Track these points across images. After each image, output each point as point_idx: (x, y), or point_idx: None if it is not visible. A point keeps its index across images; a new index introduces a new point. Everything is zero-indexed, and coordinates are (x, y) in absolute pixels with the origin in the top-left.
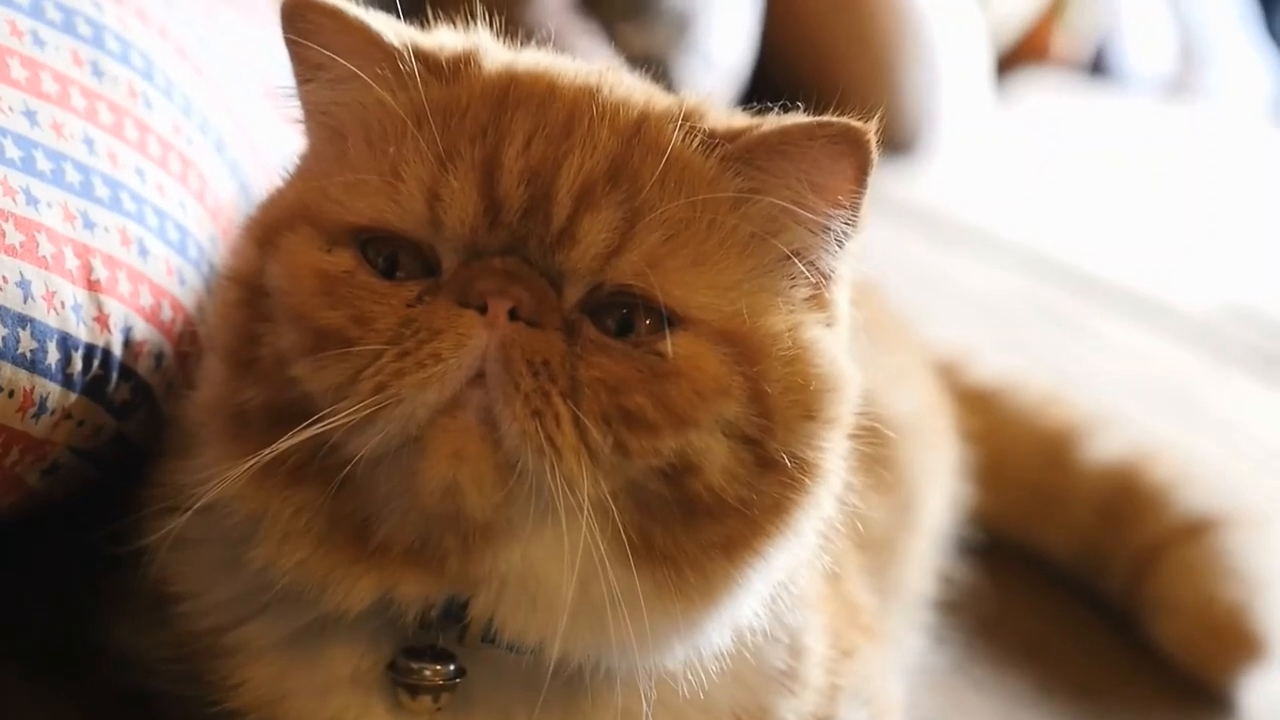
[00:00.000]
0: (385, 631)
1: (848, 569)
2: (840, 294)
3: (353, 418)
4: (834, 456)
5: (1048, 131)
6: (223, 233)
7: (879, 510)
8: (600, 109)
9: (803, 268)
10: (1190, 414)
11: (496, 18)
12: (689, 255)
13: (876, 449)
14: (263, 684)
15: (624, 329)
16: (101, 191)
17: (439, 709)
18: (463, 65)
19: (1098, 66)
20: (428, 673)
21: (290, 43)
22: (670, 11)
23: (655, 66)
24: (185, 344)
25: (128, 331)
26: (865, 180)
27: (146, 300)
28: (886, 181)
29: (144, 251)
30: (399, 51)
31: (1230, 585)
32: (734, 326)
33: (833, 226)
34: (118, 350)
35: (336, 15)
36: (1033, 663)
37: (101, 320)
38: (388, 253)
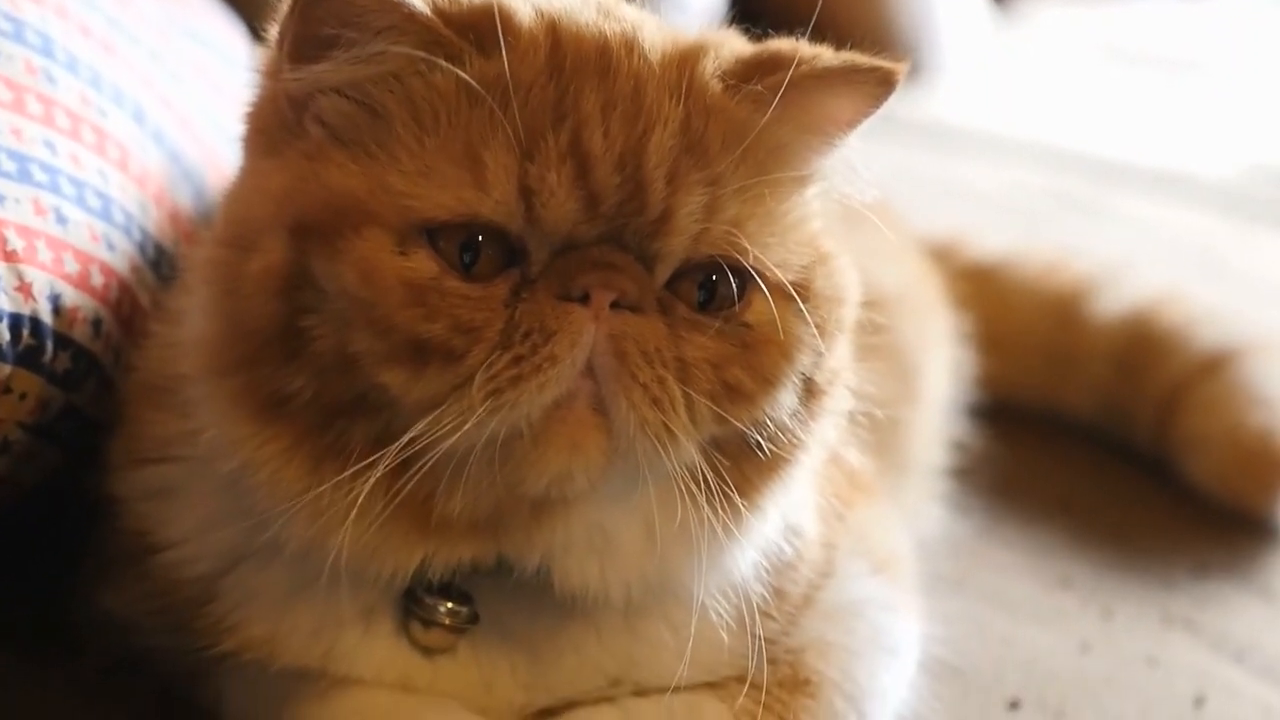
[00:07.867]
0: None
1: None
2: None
3: (466, 425)
4: (849, 356)
5: (1059, 43)
6: (154, 199)
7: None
8: (651, 70)
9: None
10: (1217, 272)
11: None
12: (762, 212)
13: (866, 325)
14: (262, 624)
15: (704, 295)
16: (8, 166)
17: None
18: (501, 31)
19: None
20: (442, 610)
21: (304, 19)
22: None
23: None
24: (125, 308)
25: (55, 299)
26: (879, 108)
27: (72, 267)
28: (889, 105)
29: (62, 219)
30: (436, 23)
31: (1257, 411)
32: (802, 279)
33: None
34: (47, 318)
35: None
36: (1064, 516)
37: (24, 289)
38: (461, 240)
